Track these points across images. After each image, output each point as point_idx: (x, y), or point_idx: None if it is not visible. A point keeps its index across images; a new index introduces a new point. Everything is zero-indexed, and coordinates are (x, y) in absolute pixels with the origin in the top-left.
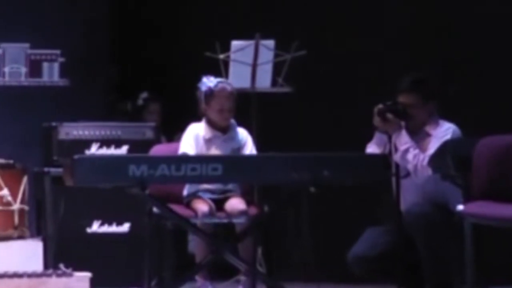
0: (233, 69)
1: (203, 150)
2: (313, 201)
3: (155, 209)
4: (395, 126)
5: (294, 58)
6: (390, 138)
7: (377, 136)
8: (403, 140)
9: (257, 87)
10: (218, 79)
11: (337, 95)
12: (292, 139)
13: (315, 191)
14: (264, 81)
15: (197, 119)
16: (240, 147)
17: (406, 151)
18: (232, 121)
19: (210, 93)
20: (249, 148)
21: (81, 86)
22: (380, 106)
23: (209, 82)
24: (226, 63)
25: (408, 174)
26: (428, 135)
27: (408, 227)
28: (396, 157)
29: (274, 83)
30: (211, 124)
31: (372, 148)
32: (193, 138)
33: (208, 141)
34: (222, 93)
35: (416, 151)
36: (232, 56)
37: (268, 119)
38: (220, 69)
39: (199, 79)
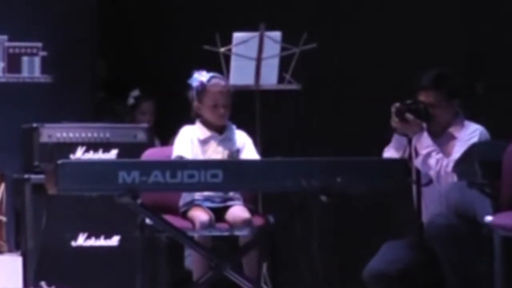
0: (235, 64)
1: (198, 153)
2: (324, 212)
3: (148, 221)
4: (415, 127)
5: (303, 51)
6: (410, 141)
7: (396, 139)
8: (425, 143)
9: (262, 84)
10: (211, 74)
11: (350, 93)
12: (300, 142)
13: (326, 200)
14: (270, 78)
15: (193, 121)
16: (239, 149)
17: (428, 155)
18: (229, 122)
19: (202, 88)
20: (250, 151)
21: (65, 83)
22: (398, 105)
23: (201, 76)
24: (227, 57)
25: (430, 181)
26: (452, 137)
27: (431, 240)
28: (417, 162)
29: (280, 79)
30: (205, 124)
31: (390, 153)
32: (188, 141)
33: (203, 143)
34: (216, 88)
35: (439, 155)
36: (234, 49)
37: (274, 120)
38: (220, 64)
39: None
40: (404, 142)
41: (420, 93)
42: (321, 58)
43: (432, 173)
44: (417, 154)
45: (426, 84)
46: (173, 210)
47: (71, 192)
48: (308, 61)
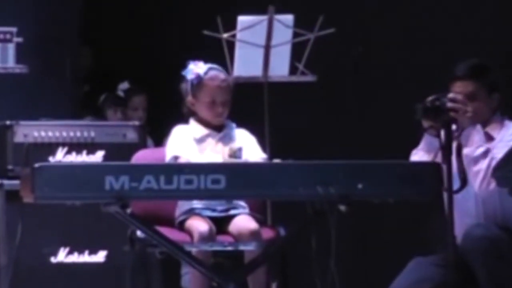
0: (240, 52)
1: (195, 153)
2: (343, 223)
3: (139, 233)
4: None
5: (318, 38)
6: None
7: (426, 139)
8: (478, 139)
9: (271, 75)
10: (209, 65)
11: (372, 85)
12: (315, 142)
13: (346, 210)
14: (280, 68)
15: (186, 120)
16: (241, 149)
17: (485, 155)
18: (228, 120)
19: (198, 82)
20: (254, 151)
21: (44, 74)
22: (431, 98)
23: (197, 68)
24: (231, 45)
25: (461, 187)
26: (490, 138)
27: (467, 255)
28: (467, 158)
29: (292, 70)
30: (201, 122)
31: (419, 155)
32: (183, 139)
33: (200, 141)
34: (214, 82)
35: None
36: (239, 35)
37: (285, 116)
38: (223, 52)
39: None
40: (436, 143)
41: (455, 83)
42: (339, 46)
43: (478, 180)
44: (450, 151)
45: (464, 72)
46: (168, 221)
47: (50, 200)
48: (324, 49)
